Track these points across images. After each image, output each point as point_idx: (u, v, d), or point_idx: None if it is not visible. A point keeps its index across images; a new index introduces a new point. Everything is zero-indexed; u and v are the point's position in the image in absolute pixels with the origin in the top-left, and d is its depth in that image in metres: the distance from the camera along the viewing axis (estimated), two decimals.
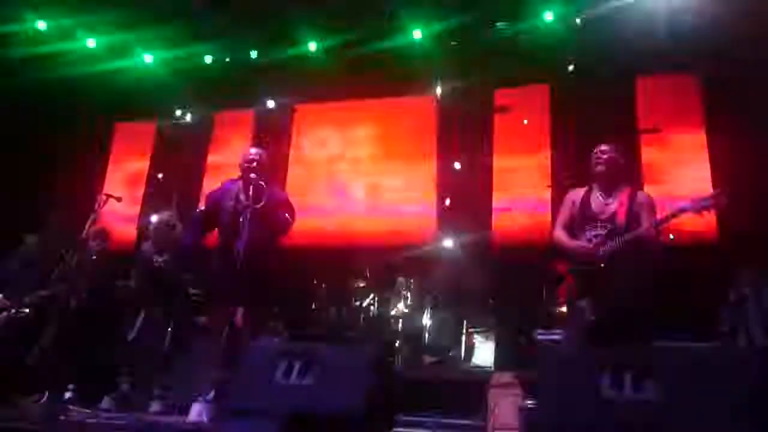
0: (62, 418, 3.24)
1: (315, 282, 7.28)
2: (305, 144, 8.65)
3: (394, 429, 2.58)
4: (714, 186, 6.52)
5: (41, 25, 8.11)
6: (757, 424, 2.22)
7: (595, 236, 3.66)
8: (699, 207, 3.45)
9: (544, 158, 7.51)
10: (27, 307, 5.05)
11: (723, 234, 6.28)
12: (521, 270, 6.47)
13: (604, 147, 3.88)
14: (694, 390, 2.45)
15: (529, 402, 2.68)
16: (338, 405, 2.89)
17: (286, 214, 4.23)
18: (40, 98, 8.12)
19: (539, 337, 5.48)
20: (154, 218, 5.31)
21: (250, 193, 4.05)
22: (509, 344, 6.09)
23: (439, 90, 8.22)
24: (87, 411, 3.72)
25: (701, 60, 6.87)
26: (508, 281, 6.71)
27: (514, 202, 7.54)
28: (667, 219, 3.55)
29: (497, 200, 7.58)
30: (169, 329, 4.92)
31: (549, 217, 7.02)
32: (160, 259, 5.01)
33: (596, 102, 7.21)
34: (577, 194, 3.94)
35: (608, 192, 3.79)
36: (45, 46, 8.11)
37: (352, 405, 2.86)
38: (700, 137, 6.92)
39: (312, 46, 8.16)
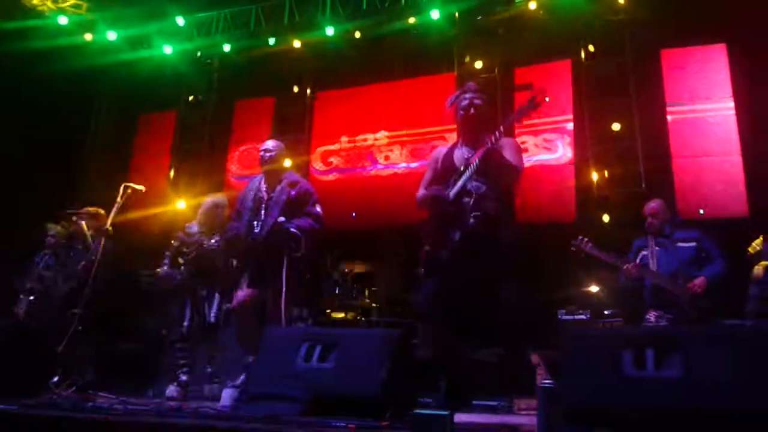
0: (90, 404, 3.30)
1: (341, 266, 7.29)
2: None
3: (415, 411, 2.57)
4: (744, 162, 6.37)
5: (62, 20, 8.26)
6: None
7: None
8: (524, 110, 3.29)
9: (567, 135, 7.38)
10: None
11: (753, 208, 6.13)
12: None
13: (469, 93, 3.50)
14: (720, 368, 2.39)
15: (547, 380, 2.64)
16: (359, 387, 2.90)
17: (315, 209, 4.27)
18: (62, 92, 8.20)
19: (562, 317, 5.43)
20: (206, 200, 5.29)
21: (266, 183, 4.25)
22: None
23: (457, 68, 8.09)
24: (113, 397, 3.79)
25: (729, 28, 6.65)
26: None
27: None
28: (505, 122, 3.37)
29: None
30: (215, 310, 4.99)
31: (574, 198, 7.00)
32: (212, 242, 4.97)
33: (621, 76, 7.07)
34: (440, 152, 3.65)
35: (473, 145, 3.43)
36: (67, 38, 8.25)
37: (372, 387, 2.87)
38: (729, 107, 6.71)
39: (330, 31, 8.13)
